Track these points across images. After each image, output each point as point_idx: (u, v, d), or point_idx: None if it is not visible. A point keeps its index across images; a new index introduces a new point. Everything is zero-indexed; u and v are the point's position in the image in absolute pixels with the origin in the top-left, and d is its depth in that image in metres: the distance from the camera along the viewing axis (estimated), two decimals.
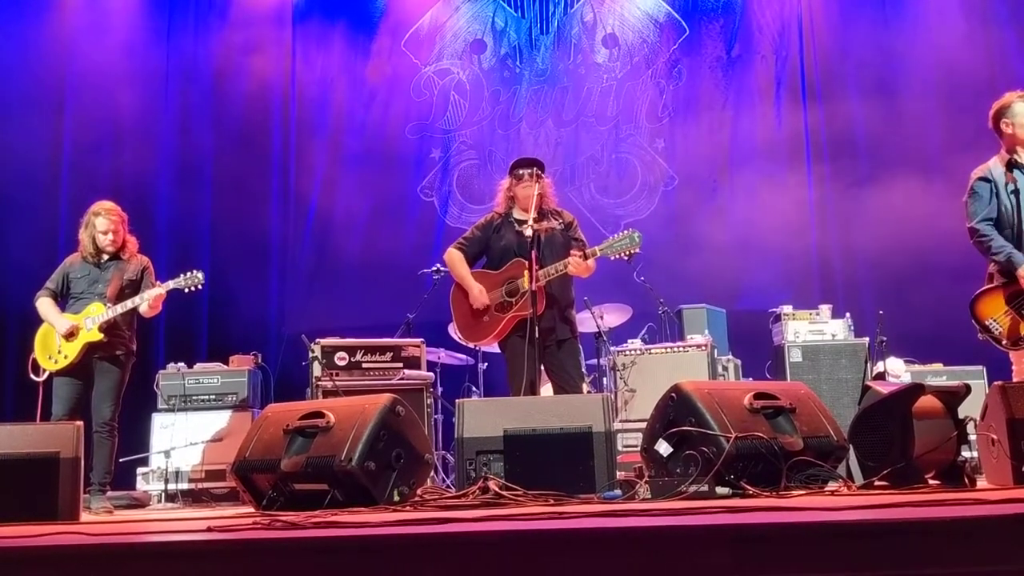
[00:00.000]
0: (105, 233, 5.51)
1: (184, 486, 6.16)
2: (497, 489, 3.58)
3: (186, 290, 5.49)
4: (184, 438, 6.21)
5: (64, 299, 5.55)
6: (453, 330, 5.61)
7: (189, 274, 5.46)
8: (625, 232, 4.85)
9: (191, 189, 8.71)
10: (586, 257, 4.87)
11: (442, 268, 6.54)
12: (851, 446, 3.82)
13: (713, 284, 8.21)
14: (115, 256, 5.59)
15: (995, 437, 3.60)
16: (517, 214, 5.24)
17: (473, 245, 5.31)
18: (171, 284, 5.45)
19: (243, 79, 8.94)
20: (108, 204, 5.61)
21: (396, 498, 3.64)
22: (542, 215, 5.07)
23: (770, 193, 8.55)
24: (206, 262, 8.17)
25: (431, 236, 8.92)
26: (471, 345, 5.69)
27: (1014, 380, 4.42)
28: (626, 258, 5.06)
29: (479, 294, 5.09)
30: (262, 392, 6.75)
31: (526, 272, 4.90)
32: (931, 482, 3.65)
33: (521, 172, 5.17)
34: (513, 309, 5.01)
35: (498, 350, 5.34)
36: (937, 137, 8.17)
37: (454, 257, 5.29)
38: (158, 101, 8.77)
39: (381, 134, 9.22)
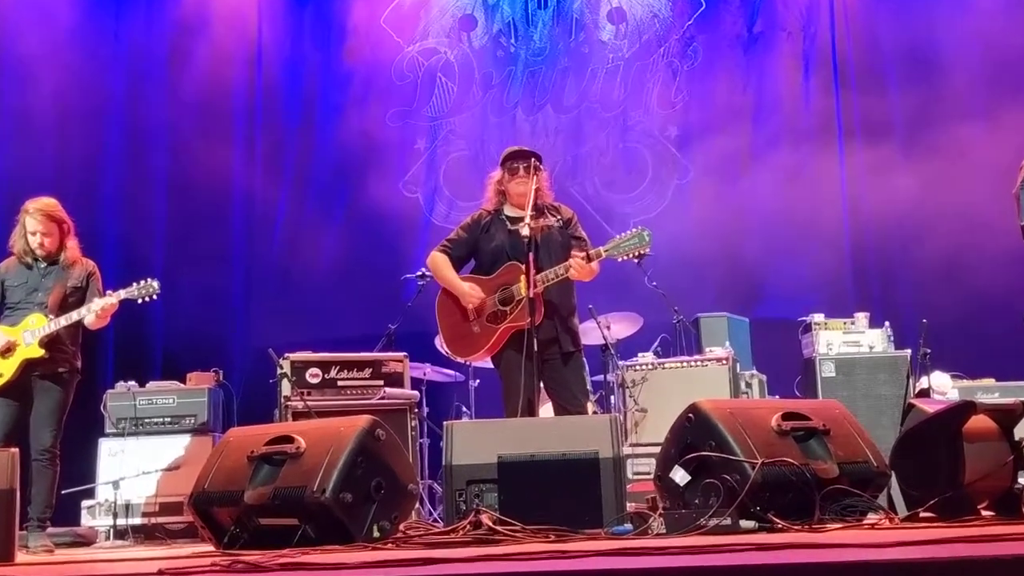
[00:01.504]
0: (33, 234, 5.46)
1: (135, 521, 6.11)
2: (491, 524, 3.56)
3: (139, 300, 5.44)
4: (135, 466, 6.16)
5: None
6: (440, 343, 5.58)
7: (143, 282, 5.42)
8: (634, 230, 4.84)
9: (143, 185, 8.67)
10: (589, 259, 4.85)
11: (427, 273, 6.51)
12: (893, 473, 3.80)
13: (734, 289, 8.19)
14: (55, 261, 5.54)
15: None
16: (509, 211, 5.22)
17: (459, 247, 5.28)
18: (123, 293, 5.41)
19: (201, 61, 8.91)
20: (43, 202, 5.52)
21: (376, 534, 3.62)
22: (538, 212, 5.04)
23: (798, 186, 8.54)
24: (159, 267, 8.13)
25: (415, 237, 8.89)
26: (460, 360, 5.66)
27: None
28: (635, 259, 5.03)
29: (470, 291, 5.07)
30: (224, 414, 6.71)
31: (522, 277, 4.87)
32: (984, 513, 3.62)
33: (516, 165, 5.16)
34: (508, 319, 4.98)
35: (491, 365, 5.31)
36: (982, 120, 8.17)
37: (438, 261, 5.26)
38: (105, 87, 8.73)
39: (358, 122, 9.20)
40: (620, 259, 4.89)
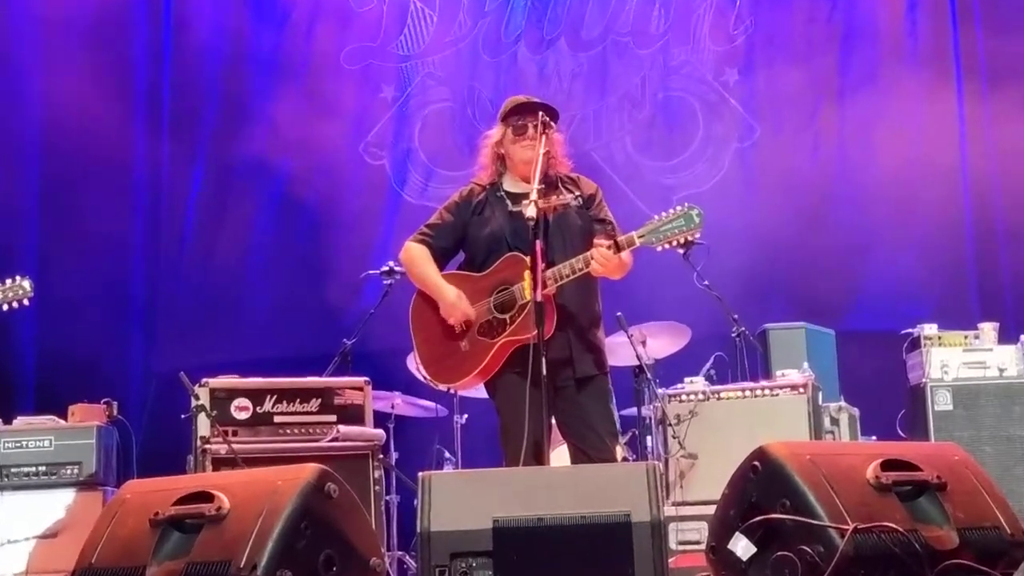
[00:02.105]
0: None
1: None
2: None
3: (4, 306, 5.47)
4: None
5: None
6: (415, 364, 5.57)
7: (10, 282, 5.47)
8: (679, 209, 4.83)
9: (9, 161, 8.68)
10: (618, 248, 4.84)
11: (397, 268, 6.49)
12: None
13: (815, 290, 8.19)
14: None
15: None
16: (510, 184, 5.21)
17: (443, 235, 5.27)
18: None
19: None
20: None
21: None
22: (549, 185, 5.02)
23: (901, 149, 8.54)
24: (32, 263, 8.14)
25: (381, 219, 8.91)
26: (443, 387, 5.66)
27: None
28: (680, 249, 5.01)
29: (457, 300, 5.05)
30: (119, 461, 6.70)
31: (526, 274, 4.86)
32: None
33: (521, 122, 5.15)
34: (507, 332, 4.98)
35: (485, 395, 5.31)
36: None
37: (415, 254, 5.26)
38: None
39: (302, 66, 9.22)
40: (660, 248, 4.88)
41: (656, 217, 4.87)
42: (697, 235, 4.87)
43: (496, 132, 5.28)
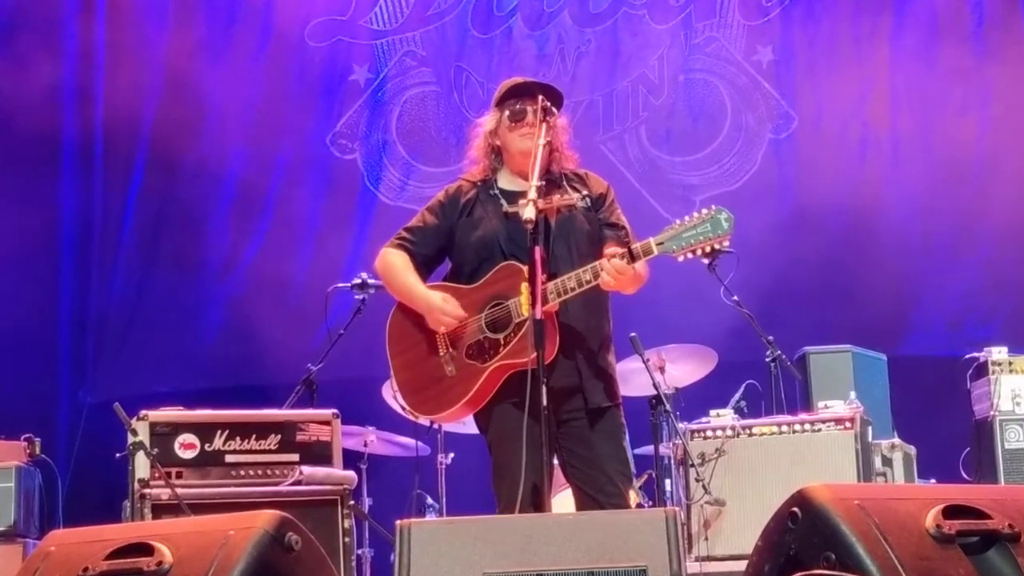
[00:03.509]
0: None
1: None
2: None
3: None
4: None
5: None
6: (392, 393, 5.57)
7: None
8: (705, 212, 4.81)
9: None
10: (633, 257, 4.82)
11: (371, 281, 6.48)
12: None
13: (863, 309, 8.19)
14: None
15: None
16: (506, 181, 5.21)
17: (426, 240, 5.26)
18: None
19: None
20: None
21: None
22: (551, 182, 5.03)
23: (961, 139, 8.55)
24: None
25: (351, 223, 8.91)
26: (424, 420, 5.65)
27: None
28: (705, 259, 5.01)
29: (443, 302, 5.03)
30: (42, 507, 6.70)
31: (524, 286, 4.85)
32: None
33: (520, 108, 5.14)
34: (501, 354, 4.96)
35: (474, 429, 5.30)
36: None
37: (392, 261, 5.24)
38: None
39: (261, 43, 9.21)
40: (682, 258, 4.85)
41: (678, 221, 4.83)
42: (726, 243, 4.80)
43: (489, 119, 5.24)
